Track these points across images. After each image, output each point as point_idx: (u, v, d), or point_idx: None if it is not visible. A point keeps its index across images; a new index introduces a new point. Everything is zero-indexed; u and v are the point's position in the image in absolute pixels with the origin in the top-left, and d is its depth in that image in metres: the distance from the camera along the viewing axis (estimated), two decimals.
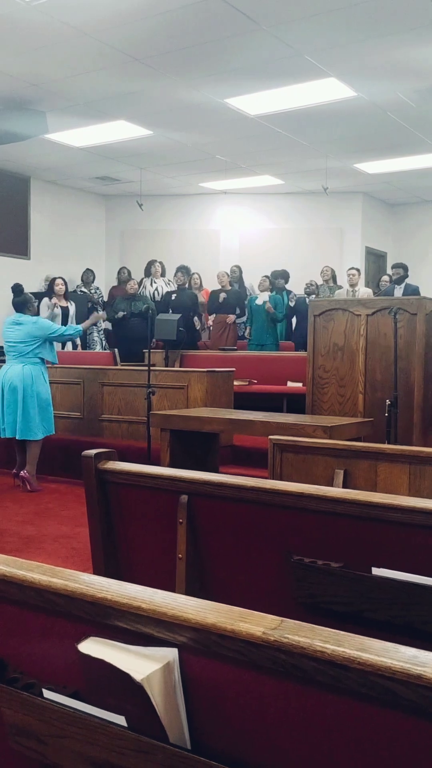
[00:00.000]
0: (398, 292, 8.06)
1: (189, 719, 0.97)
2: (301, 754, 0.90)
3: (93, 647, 0.99)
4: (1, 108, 7.21)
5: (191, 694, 0.96)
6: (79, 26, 5.61)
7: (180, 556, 2.01)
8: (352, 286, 8.73)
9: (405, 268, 8.35)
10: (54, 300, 8.43)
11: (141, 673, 0.93)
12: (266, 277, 9.08)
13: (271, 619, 0.89)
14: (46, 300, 8.45)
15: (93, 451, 2.15)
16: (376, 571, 1.69)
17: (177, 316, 8.28)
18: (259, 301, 8.87)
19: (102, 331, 10.08)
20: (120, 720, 1.00)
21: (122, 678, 0.95)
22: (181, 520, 2.01)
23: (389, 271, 10.95)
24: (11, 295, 5.89)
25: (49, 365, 5.90)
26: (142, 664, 0.95)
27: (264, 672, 0.89)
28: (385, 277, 9.44)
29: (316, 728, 0.88)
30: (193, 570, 1.99)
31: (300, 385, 7.46)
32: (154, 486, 2.06)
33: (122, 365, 8.10)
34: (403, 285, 8.15)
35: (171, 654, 0.96)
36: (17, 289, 5.77)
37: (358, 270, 9.04)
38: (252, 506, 1.93)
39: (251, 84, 6.73)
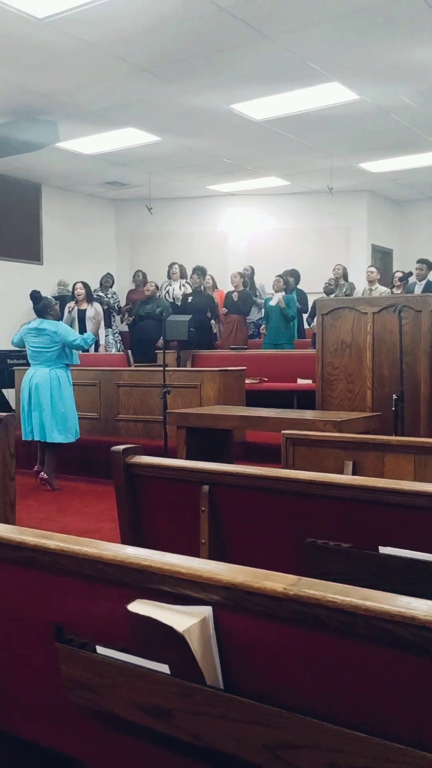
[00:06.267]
0: (419, 289, 8.14)
1: (222, 665, 1.16)
2: (317, 690, 1.08)
3: (140, 607, 1.17)
4: (14, 119, 7.41)
5: (223, 643, 1.15)
6: (88, 40, 5.80)
7: (203, 541, 2.19)
8: (370, 282, 8.84)
9: (429, 264, 8.41)
10: (71, 304, 8.78)
11: (182, 626, 1.11)
12: (279, 277, 9.22)
13: (291, 577, 1.07)
14: (70, 304, 8.82)
15: (121, 447, 2.33)
16: (383, 550, 1.86)
17: (188, 317, 8.45)
18: (273, 302, 9.02)
19: (117, 333, 10.28)
20: (164, 668, 1.18)
21: (166, 631, 1.13)
22: (203, 509, 2.19)
23: (396, 267, 11.10)
24: (27, 300, 6.08)
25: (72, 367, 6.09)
26: (183, 619, 1.13)
27: (285, 622, 1.07)
28: (398, 274, 9.56)
29: (329, 667, 1.05)
30: (215, 553, 2.17)
31: (309, 382, 7.63)
32: (178, 477, 2.24)
33: (135, 366, 8.30)
34: (424, 282, 8.24)
35: (206, 611, 1.14)
36: (36, 296, 5.95)
37: (376, 269, 9.16)
38: (268, 494, 2.10)
39: (256, 90, 6.90)
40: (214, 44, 5.91)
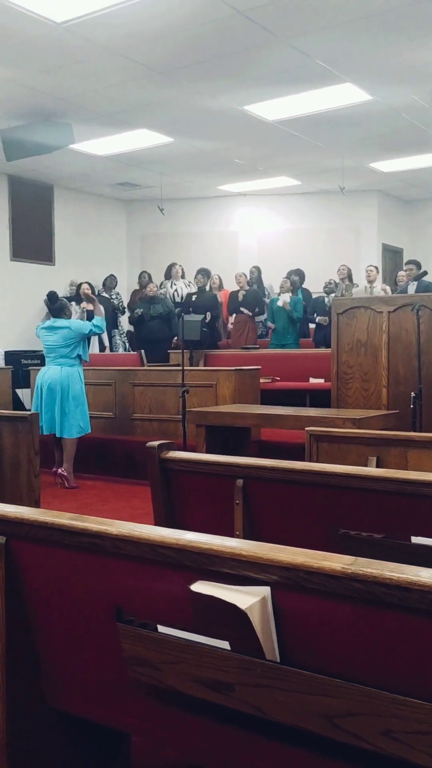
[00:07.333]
0: (411, 288, 8.26)
1: (279, 641, 1.23)
2: (372, 662, 1.15)
3: (203, 588, 1.25)
4: (30, 122, 7.51)
5: (281, 621, 1.22)
6: (104, 43, 5.88)
7: (237, 533, 2.26)
8: (370, 282, 8.93)
9: (418, 265, 8.53)
10: (83, 305, 8.86)
11: (245, 605, 1.19)
12: (286, 278, 9.30)
13: (348, 558, 1.15)
14: (73, 304, 8.87)
15: (156, 442, 2.41)
16: (415, 540, 1.94)
17: (200, 317, 8.54)
18: (279, 302, 9.10)
19: (125, 334, 10.39)
20: (225, 645, 1.26)
21: (228, 609, 1.21)
22: (237, 502, 2.26)
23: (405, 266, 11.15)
24: (41, 301, 6.19)
25: (83, 363, 6.19)
26: (244, 598, 1.21)
27: (342, 599, 1.15)
28: (402, 273, 9.63)
29: (384, 640, 1.13)
30: None
31: (322, 381, 7.70)
32: (213, 472, 2.32)
33: (149, 366, 8.39)
34: (416, 282, 8.34)
35: (265, 591, 1.22)
36: (53, 296, 6.07)
37: (376, 267, 9.25)
38: (301, 487, 2.18)
39: (269, 91, 6.98)
40: (229, 47, 5.98)
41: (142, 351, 8.94)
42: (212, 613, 1.26)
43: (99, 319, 6.15)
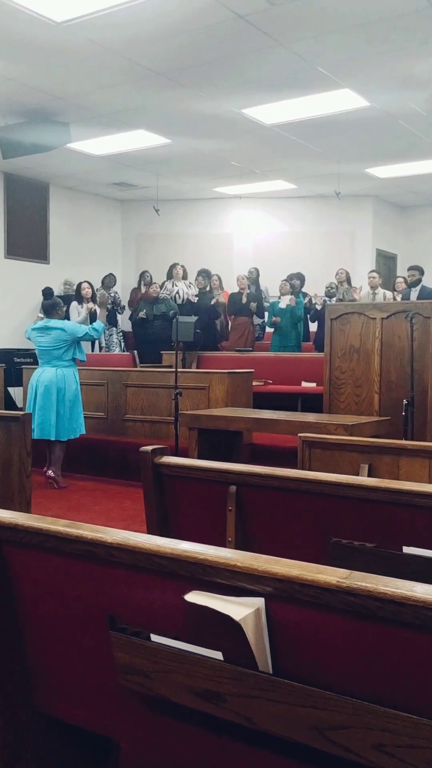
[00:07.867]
0: (414, 294, 8.27)
1: (272, 653, 1.24)
2: (364, 676, 1.16)
3: (196, 597, 1.25)
4: (28, 120, 7.50)
5: (274, 632, 1.23)
6: (104, 44, 5.88)
7: (230, 539, 2.27)
8: (373, 288, 8.92)
9: (421, 270, 8.55)
10: (90, 305, 8.80)
11: (239, 615, 1.19)
12: (286, 281, 9.30)
13: (342, 571, 1.15)
14: (75, 304, 8.80)
15: (149, 447, 2.40)
16: (407, 550, 1.94)
17: (194, 318, 8.53)
18: (282, 305, 9.08)
19: (120, 333, 10.38)
20: (217, 655, 1.26)
21: (221, 620, 1.21)
22: (230, 508, 2.27)
23: (399, 272, 11.20)
24: (35, 299, 6.18)
25: (79, 363, 6.18)
26: (238, 609, 1.21)
27: (336, 612, 1.15)
28: (400, 279, 9.66)
29: (377, 654, 1.14)
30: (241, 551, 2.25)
31: (314, 385, 7.72)
32: (206, 478, 2.32)
33: (141, 366, 8.38)
34: (419, 287, 8.37)
35: (259, 602, 1.22)
36: (48, 293, 6.05)
37: (378, 273, 9.26)
38: (294, 494, 2.18)
39: (268, 95, 6.99)
40: (228, 50, 5.99)
41: (135, 352, 8.93)
42: (206, 623, 1.26)
43: (99, 324, 6.16)
